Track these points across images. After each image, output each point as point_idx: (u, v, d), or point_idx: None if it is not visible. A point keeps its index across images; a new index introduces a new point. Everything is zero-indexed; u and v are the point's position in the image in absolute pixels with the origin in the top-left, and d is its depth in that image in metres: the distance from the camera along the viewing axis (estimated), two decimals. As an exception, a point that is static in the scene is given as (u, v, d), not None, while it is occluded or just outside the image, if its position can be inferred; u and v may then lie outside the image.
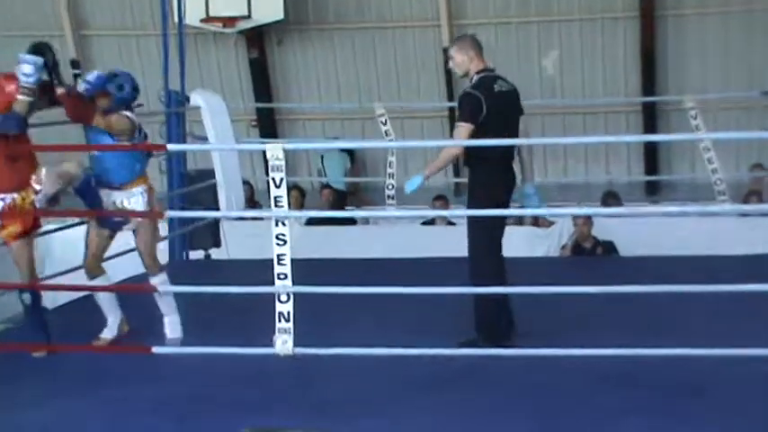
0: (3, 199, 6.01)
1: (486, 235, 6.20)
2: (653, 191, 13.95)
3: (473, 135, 6.13)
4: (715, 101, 12.82)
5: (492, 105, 6.16)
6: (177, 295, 6.46)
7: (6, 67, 6.05)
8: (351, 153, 14.12)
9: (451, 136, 6.30)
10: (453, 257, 9.05)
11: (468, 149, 6.18)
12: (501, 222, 6.32)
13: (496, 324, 6.20)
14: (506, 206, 6.31)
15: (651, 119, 13.87)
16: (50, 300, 9.81)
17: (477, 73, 6.31)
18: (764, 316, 5.95)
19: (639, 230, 9.86)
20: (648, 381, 5.46)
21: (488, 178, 6.24)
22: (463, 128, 6.18)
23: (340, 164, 13.94)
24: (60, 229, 8.13)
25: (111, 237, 6.54)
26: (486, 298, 6.11)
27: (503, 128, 6.19)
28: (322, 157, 13.90)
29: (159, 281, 6.45)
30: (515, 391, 5.49)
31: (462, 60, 6.32)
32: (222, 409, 5.28)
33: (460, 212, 7.21)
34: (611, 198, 11.72)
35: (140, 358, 5.81)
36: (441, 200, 12.03)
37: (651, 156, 13.92)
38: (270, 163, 5.35)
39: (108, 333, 6.42)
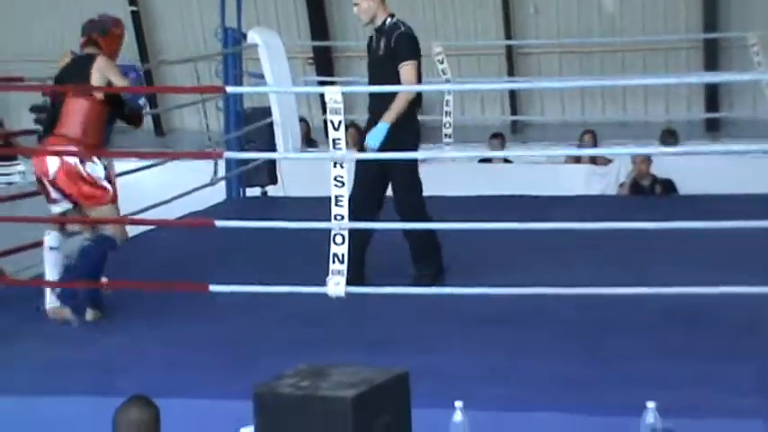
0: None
1: (416, 173, 6.31)
2: (713, 128, 13.75)
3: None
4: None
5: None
6: (236, 231, 6.47)
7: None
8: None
9: (397, 80, 6.20)
10: (510, 195, 9.08)
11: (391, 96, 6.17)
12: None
13: (439, 256, 6.33)
14: None
15: (712, 55, 13.62)
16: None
17: (391, 17, 6.33)
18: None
19: (699, 168, 9.75)
20: (709, 318, 5.43)
21: (414, 121, 6.34)
22: (412, 66, 6.20)
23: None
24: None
25: None
26: (430, 233, 6.24)
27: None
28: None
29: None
30: (567, 328, 5.48)
31: (369, 6, 6.31)
32: (278, 347, 5.32)
33: (516, 152, 7.14)
34: (669, 136, 11.61)
35: (197, 296, 5.87)
36: (498, 137, 11.97)
37: (712, 93, 13.69)
38: (328, 106, 5.34)
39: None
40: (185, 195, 8.19)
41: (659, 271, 6.35)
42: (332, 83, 11.83)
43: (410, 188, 6.30)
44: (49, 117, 6.01)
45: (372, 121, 6.30)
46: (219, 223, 6.00)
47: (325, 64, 14.66)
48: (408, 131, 6.26)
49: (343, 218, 5.37)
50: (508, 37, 13.77)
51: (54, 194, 5.92)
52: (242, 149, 9.27)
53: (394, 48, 6.23)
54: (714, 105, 13.68)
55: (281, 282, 5.68)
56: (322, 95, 5.75)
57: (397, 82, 6.17)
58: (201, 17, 14.56)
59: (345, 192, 5.39)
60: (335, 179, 5.37)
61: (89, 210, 5.94)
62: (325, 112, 5.50)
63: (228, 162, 9.26)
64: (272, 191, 9.95)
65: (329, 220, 5.41)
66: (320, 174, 5.82)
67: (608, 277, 5.93)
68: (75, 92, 5.85)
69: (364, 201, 6.15)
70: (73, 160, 5.83)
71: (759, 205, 7.67)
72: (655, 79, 13.79)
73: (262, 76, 9.16)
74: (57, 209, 6.01)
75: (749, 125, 12.65)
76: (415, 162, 6.37)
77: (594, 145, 11.49)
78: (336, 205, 5.37)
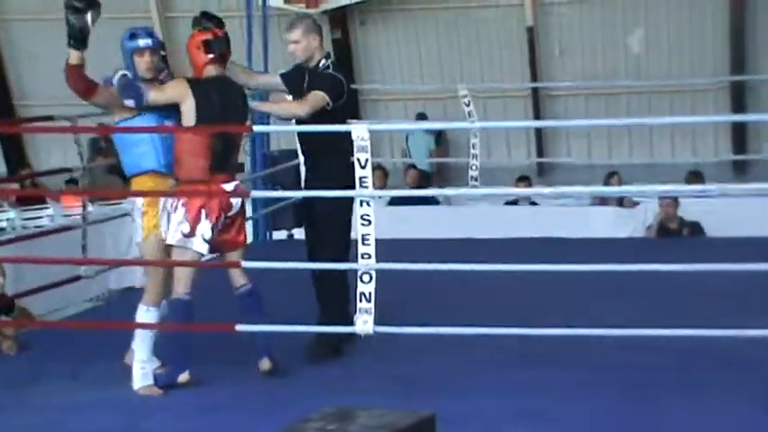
0: None
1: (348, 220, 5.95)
2: (741, 170, 13.72)
3: (318, 117, 5.81)
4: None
5: (346, 96, 6.00)
6: (263, 273, 6.48)
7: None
8: (437, 134, 14.10)
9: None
10: (537, 237, 9.06)
11: (325, 137, 5.79)
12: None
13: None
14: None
15: (739, 98, 13.63)
16: (138, 279, 10.00)
17: (326, 58, 6.06)
18: None
19: (727, 211, 9.71)
20: (746, 360, 5.39)
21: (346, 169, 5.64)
22: (320, 97, 5.85)
23: (424, 145, 13.93)
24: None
25: None
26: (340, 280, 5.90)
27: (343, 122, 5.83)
28: (407, 138, 13.89)
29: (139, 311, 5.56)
30: (600, 371, 5.44)
31: (308, 45, 5.99)
32: (306, 386, 5.31)
33: (545, 191, 7.14)
34: (694, 177, 11.58)
35: (226, 336, 5.87)
36: (524, 181, 11.98)
37: (739, 134, 13.68)
38: (355, 144, 5.35)
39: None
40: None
41: (688, 312, 6.31)
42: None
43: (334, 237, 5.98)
44: (217, 149, 5.41)
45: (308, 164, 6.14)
46: (246, 264, 5.99)
47: (351, 105, 14.72)
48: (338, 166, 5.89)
49: (370, 257, 5.37)
50: (534, 79, 13.81)
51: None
52: (269, 190, 9.30)
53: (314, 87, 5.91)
54: (742, 147, 13.65)
55: (309, 321, 5.68)
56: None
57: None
58: (229, 60, 14.68)
59: (372, 230, 5.37)
60: (362, 218, 5.37)
61: (237, 254, 5.61)
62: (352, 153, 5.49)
63: (255, 204, 9.29)
64: (298, 233, 9.96)
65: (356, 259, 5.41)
66: (347, 215, 5.83)
67: (638, 319, 5.90)
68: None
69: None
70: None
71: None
72: (681, 118, 13.80)
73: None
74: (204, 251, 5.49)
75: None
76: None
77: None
78: (363, 244, 5.37)
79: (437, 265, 5.76)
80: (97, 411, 5.18)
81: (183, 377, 5.39)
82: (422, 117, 13.93)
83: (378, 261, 5.32)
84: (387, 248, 5.51)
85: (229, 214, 5.47)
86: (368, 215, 5.35)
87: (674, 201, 10.09)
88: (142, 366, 5.40)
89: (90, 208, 8.21)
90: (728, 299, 6.53)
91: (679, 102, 13.80)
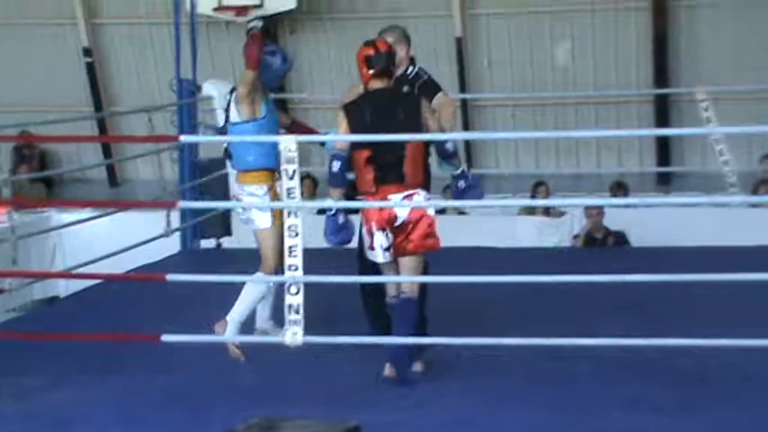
0: None
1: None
2: (665, 181, 13.92)
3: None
4: (727, 93, 12.78)
5: None
6: (189, 284, 6.46)
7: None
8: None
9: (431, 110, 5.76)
10: (465, 247, 9.08)
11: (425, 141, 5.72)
12: None
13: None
14: None
15: (663, 110, 13.83)
16: (63, 288, 9.90)
17: (412, 65, 6.15)
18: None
19: (651, 221, 9.85)
20: (657, 370, 5.47)
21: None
22: (445, 94, 6.01)
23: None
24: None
25: None
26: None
27: None
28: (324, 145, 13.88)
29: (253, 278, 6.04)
30: (525, 379, 5.49)
31: (404, 56, 6.04)
32: (233, 397, 5.29)
33: (472, 203, 7.15)
34: (618, 189, 11.74)
35: (150, 347, 5.82)
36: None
37: (663, 147, 13.88)
38: (283, 155, 5.35)
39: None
40: (137, 247, 8.16)
41: (611, 323, 6.39)
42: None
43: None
44: (384, 159, 5.50)
45: None
46: (170, 277, 5.96)
47: (280, 115, 14.68)
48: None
49: (297, 268, 5.37)
50: (462, 90, 13.89)
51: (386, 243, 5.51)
52: (198, 200, 9.25)
53: (419, 94, 5.87)
54: (665, 159, 13.87)
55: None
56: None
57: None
58: (157, 68, 14.58)
59: (299, 242, 5.38)
60: (289, 229, 5.38)
61: (406, 260, 5.55)
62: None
63: (183, 213, 9.23)
64: (226, 242, 9.92)
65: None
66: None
67: (560, 329, 5.95)
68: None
69: None
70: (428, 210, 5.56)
71: (707, 257, 7.77)
72: (606, 132, 13.98)
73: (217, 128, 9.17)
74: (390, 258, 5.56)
75: (699, 178, 12.81)
76: None
77: (547, 197, 11.58)
78: (290, 256, 5.37)
79: (364, 277, 5.78)
80: (18, 424, 5.10)
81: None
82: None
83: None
84: (314, 259, 5.53)
85: (396, 224, 5.48)
86: (295, 226, 5.36)
87: (600, 211, 10.22)
88: (236, 326, 5.87)
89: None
90: (651, 308, 6.62)
91: (604, 113, 13.97)
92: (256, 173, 6.03)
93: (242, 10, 13.81)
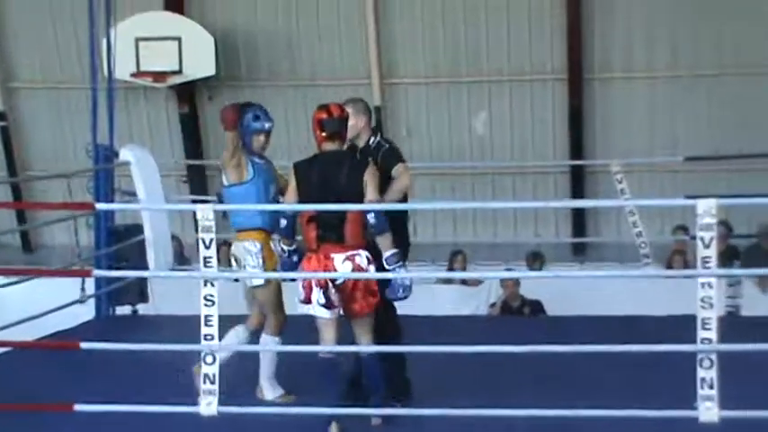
0: None
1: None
2: (580, 251, 14.11)
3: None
4: (640, 165, 13.06)
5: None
6: (103, 352, 6.37)
7: None
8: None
9: (389, 179, 6.03)
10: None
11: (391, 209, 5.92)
12: None
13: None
14: None
15: (578, 181, 14.06)
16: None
17: (374, 135, 6.28)
18: (685, 374, 6.01)
19: (566, 290, 9.95)
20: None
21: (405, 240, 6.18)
22: (406, 167, 6.15)
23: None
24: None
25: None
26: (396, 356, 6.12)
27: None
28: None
29: (264, 340, 6.25)
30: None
31: (355, 123, 6.17)
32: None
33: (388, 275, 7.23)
34: (534, 259, 11.87)
35: (64, 416, 5.72)
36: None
37: (578, 217, 14.10)
38: (200, 224, 5.35)
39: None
40: (50, 313, 8.04)
41: (525, 393, 6.42)
42: (205, 201, 11.82)
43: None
44: (325, 219, 5.69)
45: None
46: (85, 345, 5.87)
47: (199, 182, 14.65)
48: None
49: (212, 338, 5.34)
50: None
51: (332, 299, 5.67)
52: (113, 267, 9.15)
53: (381, 163, 6.04)
54: (581, 229, 14.08)
55: (150, 401, 5.58)
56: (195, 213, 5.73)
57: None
58: (74, 133, 14.48)
59: (215, 311, 5.36)
60: (206, 298, 5.36)
61: (359, 321, 5.79)
62: (197, 230, 5.49)
63: (98, 280, 9.12)
64: (142, 309, 9.81)
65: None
66: (192, 292, 5.79)
67: (476, 398, 5.97)
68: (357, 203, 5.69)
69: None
70: (365, 265, 5.67)
71: (622, 326, 7.88)
72: (522, 203, 14.16)
73: (134, 194, 9.12)
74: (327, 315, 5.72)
75: (614, 248, 13.01)
76: None
77: (464, 266, 11.66)
78: (206, 325, 5.35)
79: (282, 347, 5.76)
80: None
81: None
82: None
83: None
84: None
85: (337, 283, 5.64)
86: (211, 296, 5.35)
87: (516, 280, 10.32)
88: (270, 383, 6.24)
89: None
90: (564, 376, 6.66)
91: (521, 183, 14.16)
92: (248, 232, 6.22)
93: (160, 76, 13.79)
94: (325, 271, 5.64)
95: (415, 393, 6.30)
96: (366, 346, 5.79)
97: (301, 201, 5.77)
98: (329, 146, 5.85)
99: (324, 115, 5.86)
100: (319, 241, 5.68)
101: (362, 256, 5.68)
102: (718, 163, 13.05)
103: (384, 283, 5.72)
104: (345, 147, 6.05)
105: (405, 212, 6.27)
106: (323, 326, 5.75)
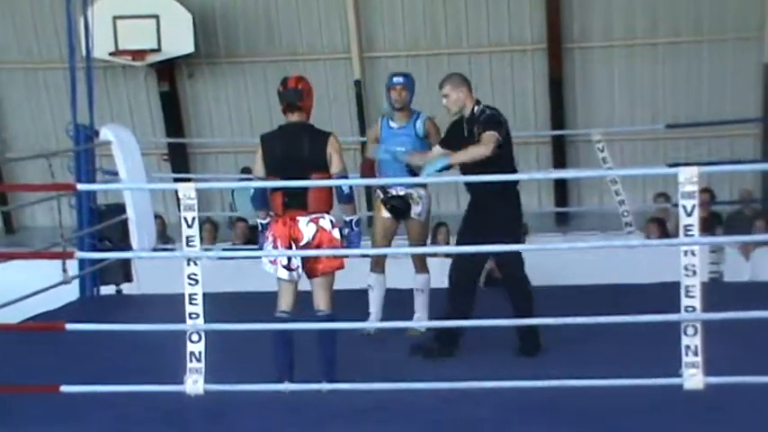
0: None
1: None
2: (563, 221, 14.15)
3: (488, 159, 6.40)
4: (621, 133, 13.08)
5: (506, 133, 6.58)
6: (89, 332, 6.36)
7: None
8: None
9: (477, 141, 6.48)
10: (356, 289, 9.13)
11: (493, 170, 6.37)
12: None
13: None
14: None
15: (560, 151, 14.09)
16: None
17: (477, 104, 6.64)
18: (668, 342, 6.04)
19: (549, 261, 9.96)
20: (557, 412, 5.53)
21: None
22: (494, 135, 6.44)
23: (249, 199, 13.81)
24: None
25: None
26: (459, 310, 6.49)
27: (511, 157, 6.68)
28: (233, 192, 13.83)
29: (421, 280, 7.39)
30: (431, 426, 5.50)
31: (458, 97, 6.64)
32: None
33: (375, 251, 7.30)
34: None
35: (49, 397, 5.72)
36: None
37: (561, 187, 14.13)
38: (182, 202, 5.34)
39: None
40: (35, 295, 8.02)
41: (512, 366, 6.44)
42: (187, 179, 11.80)
43: (512, 257, 6.63)
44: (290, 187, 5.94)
45: (473, 204, 6.87)
46: (70, 326, 5.86)
47: (180, 159, 14.63)
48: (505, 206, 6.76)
49: (197, 316, 5.34)
50: (362, 133, 13.95)
51: (295, 262, 5.91)
52: (96, 247, 9.12)
53: (482, 129, 6.51)
54: (563, 199, 14.10)
55: (135, 381, 5.59)
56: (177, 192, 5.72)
57: (493, 166, 6.40)
58: (53, 113, 14.42)
59: (200, 290, 5.36)
60: (189, 277, 5.36)
61: (318, 280, 5.98)
62: (180, 209, 5.48)
63: (82, 260, 9.09)
64: (127, 288, 9.80)
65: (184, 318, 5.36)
66: (175, 271, 5.78)
67: (461, 373, 5.99)
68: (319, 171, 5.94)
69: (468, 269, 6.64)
70: (329, 227, 5.93)
71: (602, 294, 7.92)
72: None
73: (116, 173, 9.08)
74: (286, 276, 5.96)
75: (596, 217, 13.06)
76: (515, 229, 6.84)
77: (447, 238, 11.67)
78: (191, 304, 5.34)
79: (265, 325, 5.77)
80: None
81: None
82: (247, 171, 13.86)
83: (206, 318, 5.29)
84: (216, 303, 5.49)
85: (301, 243, 5.88)
86: (195, 275, 5.34)
87: (500, 251, 10.32)
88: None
89: None
90: (548, 347, 6.69)
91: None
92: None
93: (139, 54, 13.73)
94: (290, 232, 5.89)
95: (401, 365, 6.33)
96: (323, 304, 5.97)
97: (267, 171, 6.02)
98: (291, 117, 6.08)
99: (279, 88, 6.13)
100: (285, 208, 5.95)
101: (326, 219, 5.96)
102: (700, 130, 13.09)
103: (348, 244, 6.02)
104: (455, 118, 6.65)
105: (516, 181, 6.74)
106: (282, 287, 5.98)
